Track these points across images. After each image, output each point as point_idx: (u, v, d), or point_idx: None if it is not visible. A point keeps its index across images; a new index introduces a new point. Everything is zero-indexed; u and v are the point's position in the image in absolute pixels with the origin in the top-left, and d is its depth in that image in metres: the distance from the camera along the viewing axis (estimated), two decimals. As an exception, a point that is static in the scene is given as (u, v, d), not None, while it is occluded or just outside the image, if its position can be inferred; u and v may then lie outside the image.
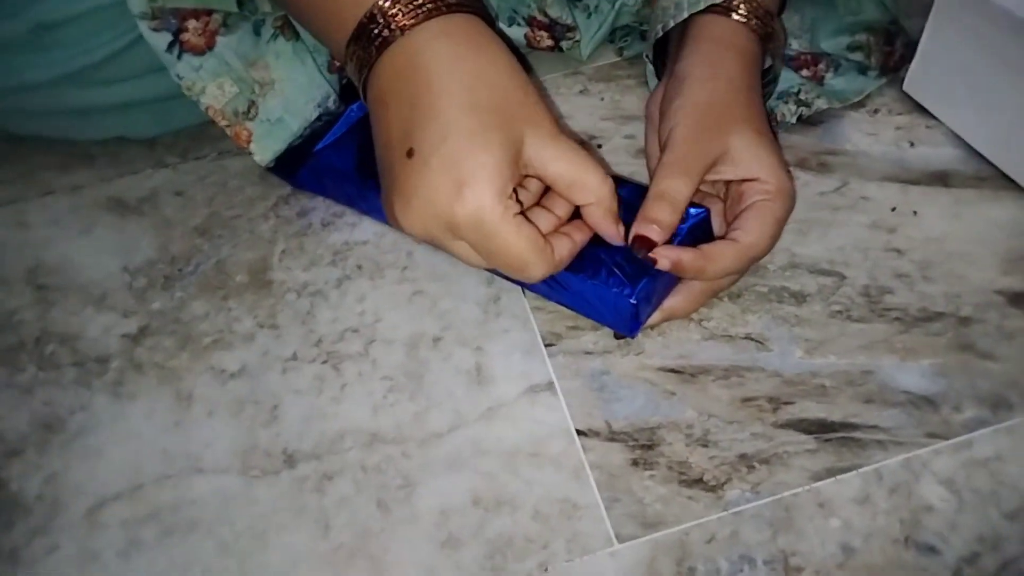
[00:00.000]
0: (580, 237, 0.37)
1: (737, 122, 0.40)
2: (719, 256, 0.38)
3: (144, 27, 0.42)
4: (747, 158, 0.39)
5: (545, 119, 0.35)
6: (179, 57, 0.43)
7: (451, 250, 0.35)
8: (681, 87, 0.41)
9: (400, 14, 0.34)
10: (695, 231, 0.39)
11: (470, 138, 0.33)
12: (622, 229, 0.37)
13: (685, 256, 0.37)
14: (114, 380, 0.41)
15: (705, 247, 0.38)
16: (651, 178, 0.41)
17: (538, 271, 0.35)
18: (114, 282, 0.46)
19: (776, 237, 0.39)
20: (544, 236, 0.35)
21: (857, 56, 0.50)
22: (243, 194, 0.50)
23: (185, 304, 0.44)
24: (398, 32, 0.34)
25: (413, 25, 0.34)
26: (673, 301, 0.39)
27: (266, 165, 0.48)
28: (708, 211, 0.40)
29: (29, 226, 0.49)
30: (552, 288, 0.40)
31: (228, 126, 0.46)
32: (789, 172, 0.40)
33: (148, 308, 0.44)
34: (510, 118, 0.34)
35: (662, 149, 0.40)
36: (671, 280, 0.39)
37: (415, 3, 0.34)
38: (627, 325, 0.39)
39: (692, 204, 0.39)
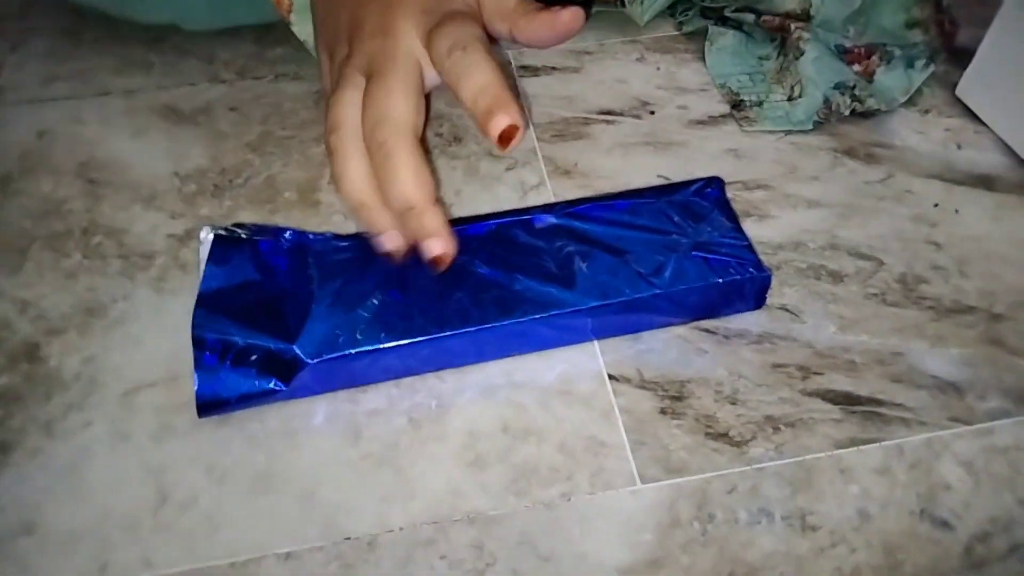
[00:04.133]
0: None
1: None
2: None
3: None
4: None
5: None
6: None
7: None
8: None
9: None
10: None
11: None
12: None
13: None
14: (157, 276, 0.42)
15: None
16: None
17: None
18: (164, 185, 0.46)
19: None
20: None
21: (917, 34, 0.51)
22: (297, 117, 0.50)
23: (233, 213, 0.45)
24: None
25: None
26: None
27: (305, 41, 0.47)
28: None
29: (83, 122, 0.50)
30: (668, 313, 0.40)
31: None
32: None
33: (196, 212, 0.45)
34: None
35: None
36: None
37: None
38: (757, 300, 0.41)
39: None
